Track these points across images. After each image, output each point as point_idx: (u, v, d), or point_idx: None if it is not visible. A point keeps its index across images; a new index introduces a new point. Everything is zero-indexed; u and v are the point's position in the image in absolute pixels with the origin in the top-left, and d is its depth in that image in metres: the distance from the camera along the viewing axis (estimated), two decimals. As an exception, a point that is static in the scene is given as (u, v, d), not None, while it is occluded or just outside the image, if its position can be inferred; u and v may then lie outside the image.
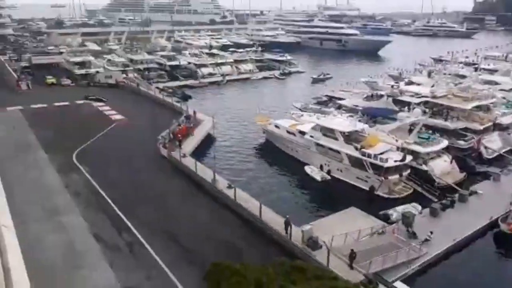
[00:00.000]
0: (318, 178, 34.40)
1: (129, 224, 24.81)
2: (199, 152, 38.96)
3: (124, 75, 69.57)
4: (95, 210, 26.73)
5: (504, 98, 47.02)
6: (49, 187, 29.61)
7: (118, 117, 48.10)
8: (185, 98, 60.20)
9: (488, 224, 26.72)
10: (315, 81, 77.25)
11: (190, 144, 39.44)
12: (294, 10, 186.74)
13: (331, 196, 32.41)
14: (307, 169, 36.00)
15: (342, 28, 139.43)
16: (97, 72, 70.36)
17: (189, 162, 34.19)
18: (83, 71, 70.58)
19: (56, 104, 53.37)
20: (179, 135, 39.50)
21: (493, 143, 39.98)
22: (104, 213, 26.27)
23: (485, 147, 38.95)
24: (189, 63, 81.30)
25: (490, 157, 38.70)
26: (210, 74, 78.09)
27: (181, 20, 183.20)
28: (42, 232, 23.10)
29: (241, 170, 37.00)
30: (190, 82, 74.09)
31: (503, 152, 39.51)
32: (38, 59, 76.24)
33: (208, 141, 43.40)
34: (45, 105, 52.57)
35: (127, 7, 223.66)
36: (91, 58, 76.54)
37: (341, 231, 23.58)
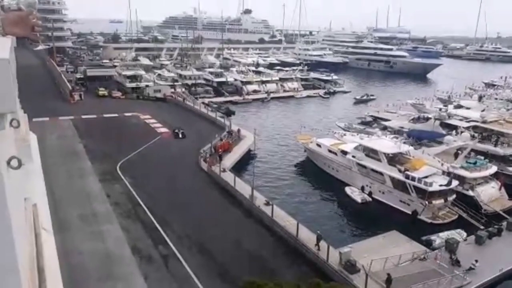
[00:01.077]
0: (359, 199, 33.95)
1: (165, 237, 25.03)
2: (239, 167, 39.31)
3: (172, 90, 71.88)
4: (134, 220, 27.15)
5: None
6: (91, 195, 30.24)
7: (163, 130, 49.28)
8: (229, 113, 61.47)
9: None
10: (358, 102, 76.53)
11: (230, 159, 39.85)
12: (343, 31, 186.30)
13: (371, 219, 31.83)
14: (348, 190, 35.65)
15: (391, 49, 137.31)
16: (147, 86, 72.72)
17: (229, 177, 34.36)
18: (134, 85, 72.89)
19: (106, 115, 54.95)
20: (220, 150, 40.15)
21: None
22: (142, 224, 26.63)
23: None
24: (235, 79, 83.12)
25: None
26: (255, 91, 79.59)
27: (232, 38, 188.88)
28: (80, 239, 23.61)
29: (280, 187, 37.08)
30: (234, 98, 75.76)
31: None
32: (92, 72, 78.55)
33: (249, 156, 43.78)
34: (94, 116, 54.23)
35: (181, 24, 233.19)
36: (143, 72, 79.18)
37: (380, 255, 23.10)
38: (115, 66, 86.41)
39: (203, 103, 65.79)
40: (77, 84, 72.58)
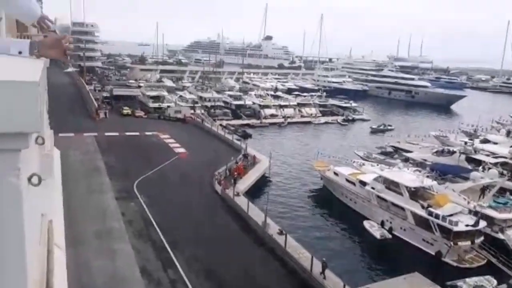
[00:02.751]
0: (378, 235, 31.89)
1: (175, 260, 24.42)
2: (253, 192, 38.35)
3: (192, 111, 72.50)
4: (145, 240, 26.80)
5: None
6: (107, 212, 30.28)
7: (181, 150, 49.40)
8: (246, 136, 60.95)
9: None
10: (374, 131, 74.67)
11: (245, 183, 39.04)
12: (363, 59, 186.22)
13: (391, 257, 29.69)
14: (366, 224, 33.66)
15: (412, 79, 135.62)
16: (168, 106, 73.91)
17: (242, 201, 33.53)
18: (156, 105, 74.47)
19: (127, 133, 55.95)
20: (235, 173, 39.43)
21: None
22: (153, 245, 26.22)
23: None
24: (254, 103, 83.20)
25: None
26: (272, 115, 79.06)
27: (252, 63, 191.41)
28: (91, 256, 23.38)
29: (294, 215, 35.61)
30: (252, 121, 75.43)
31: None
32: (118, 91, 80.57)
33: (263, 181, 42.81)
34: (117, 134, 55.20)
35: (204, 49, 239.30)
36: (166, 93, 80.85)
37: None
38: (140, 87, 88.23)
39: (220, 125, 65.82)
40: (103, 102, 74.27)
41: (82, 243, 24.11)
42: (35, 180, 1.66)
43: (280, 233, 27.97)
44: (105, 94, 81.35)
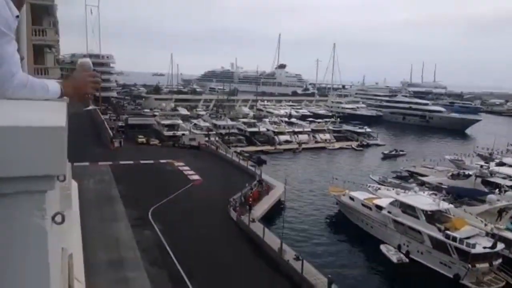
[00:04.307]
0: (395, 259, 31.88)
1: None
2: (269, 218, 38.50)
3: (207, 138, 73.54)
4: (161, 269, 26.61)
5: None
6: (121, 240, 30.01)
7: (196, 177, 49.43)
8: (260, 162, 61.59)
9: None
10: (386, 157, 74.59)
11: (260, 209, 39.03)
12: (377, 85, 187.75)
13: (409, 281, 29.65)
14: (383, 248, 33.73)
15: (426, 104, 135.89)
16: (183, 134, 74.90)
17: (258, 227, 33.35)
18: (171, 133, 75.54)
19: (142, 161, 56.18)
20: (250, 199, 39.27)
21: None
22: (169, 274, 26.03)
23: None
24: (268, 130, 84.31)
25: None
26: (287, 142, 79.93)
27: (265, 91, 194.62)
28: (106, 286, 23.15)
29: (310, 241, 35.75)
30: (266, 148, 76.35)
31: None
32: (133, 120, 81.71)
33: (279, 207, 42.85)
34: (132, 162, 55.44)
35: (218, 77, 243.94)
36: (180, 121, 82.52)
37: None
38: (155, 116, 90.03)
39: (235, 151, 66.52)
40: (118, 131, 75.55)
41: (97, 274, 23.87)
42: (58, 218, 1.69)
43: (297, 258, 27.73)
44: (120, 124, 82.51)
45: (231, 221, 36.63)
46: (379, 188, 42.92)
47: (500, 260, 28.86)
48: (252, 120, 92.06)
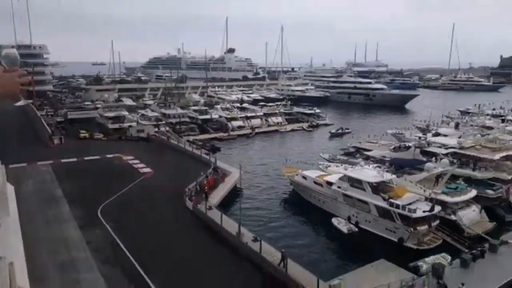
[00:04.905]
0: (345, 230, 34.22)
1: (150, 283, 23.88)
2: (226, 204, 38.83)
3: (156, 129, 71.77)
4: (115, 267, 25.81)
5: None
6: (70, 242, 28.82)
7: (147, 170, 48.20)
8: (214, 150, 61.71)
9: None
10: (333, 135, 77.90)
11: (216, 196, 39.19)
12: (324, 67, 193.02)
13: (359, 249, 31.94)
14: (334, 220, 35.94)
15: (369, 83, 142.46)
16: (130, 126, 72.22)
17: (215, 214, 33.51)
18: (116, 126, 72.17)
19: (86, 158, 53.64)
20: (206, 187, 39.29)
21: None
22: (122, 271, 25.35)
23: (516, 198, 38.05)
24: (220, 116, 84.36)
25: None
26: (240, 127, 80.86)
27: (216, 76, 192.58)
28: None
29: (267, 222, 36.93)
30: (219, 134, 76.68)
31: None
32: (73, 114, 77.34)
33: (235, 193, 43.32)
34: (75, 159, 52.85)
35: (165, 64, 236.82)
36: (126, 113, 78.76)
37: (370, 285, 23.21)
38: (97, 108, 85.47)
39: (188, 141, 65.88)
40: (57, 127, 70.90)
41: (46, 278, 23.04)
42: None
43: (255, 240, 28.51)
44: (58, 119, 77.37)
45: (187, 210, 36.33)
46: (329, 166, 45.16)
47: (437, 221, 31.98)
48: (204, 108, 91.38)
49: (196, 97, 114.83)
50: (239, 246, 29.07)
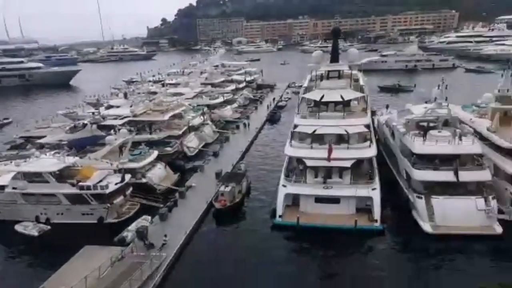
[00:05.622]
0: (35, 232, 29.71)
1: None
2: None
3: None
4: None
5: (190, 105, 55.46)
6: None
7: None
8: None
9: (207, 207, 31.21)
10: None
11: None
12: None
13: (58, 246, 28.26)
14: (19, 227, 30.42)
15: (22, 62, 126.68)
16: None
17: None
18: None
19: None
20: None
21: (192, 142, 47.26)
22: None
23: (187, 147, 45.46)
24: None
25: (193, 154, 45.72)
26: None
27: None
28: None
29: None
30: None
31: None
32: None
33: None
34: None
35: None
36: None
37: (79, 277, 21.54)
38: None
39: None
40: None
41: None
42: None
43: None
44: None
45: None
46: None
47: (131, 189, 32.98)
48: None
49: None
50: None
